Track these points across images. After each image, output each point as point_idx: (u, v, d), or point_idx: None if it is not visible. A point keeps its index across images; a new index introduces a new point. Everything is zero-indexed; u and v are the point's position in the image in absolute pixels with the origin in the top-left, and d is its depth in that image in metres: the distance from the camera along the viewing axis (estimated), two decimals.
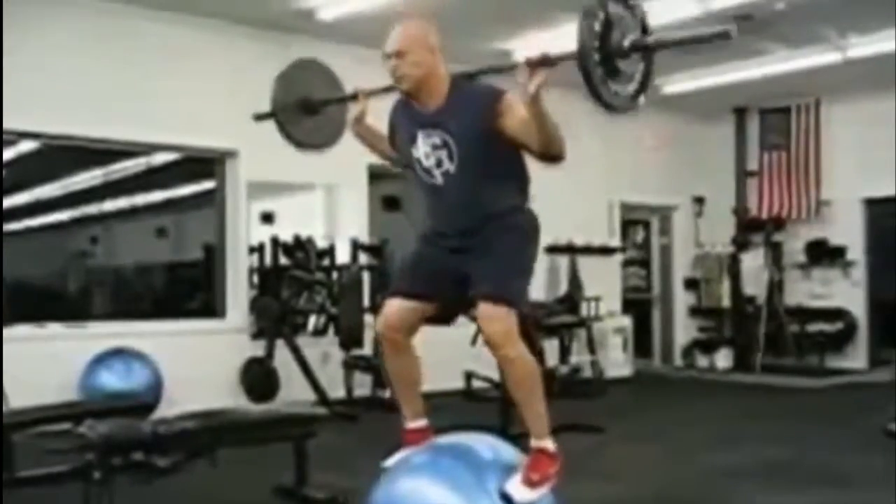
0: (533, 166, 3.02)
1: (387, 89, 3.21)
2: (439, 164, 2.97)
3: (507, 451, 2.88)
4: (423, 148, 2.99)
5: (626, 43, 2.69)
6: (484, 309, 2.84)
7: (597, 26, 2.61)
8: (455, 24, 7.60)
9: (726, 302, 10.68)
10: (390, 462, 2.99)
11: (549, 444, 2.85)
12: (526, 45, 7.72)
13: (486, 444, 2.89)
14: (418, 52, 2.92)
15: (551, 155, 2.79)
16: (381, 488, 2.80)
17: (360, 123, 3.38)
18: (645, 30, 2.80)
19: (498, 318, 2.81)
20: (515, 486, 2.69)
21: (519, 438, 3.11)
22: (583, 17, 2.61)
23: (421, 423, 3.13)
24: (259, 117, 3.74)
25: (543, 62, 2.61)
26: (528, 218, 3.06)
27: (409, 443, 3.06)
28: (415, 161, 3.04)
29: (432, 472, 2.77)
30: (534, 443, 2.84)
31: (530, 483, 2.71)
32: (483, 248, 2.92)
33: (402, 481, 2.79)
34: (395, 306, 3.05)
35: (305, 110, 3.68)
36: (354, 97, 3.43)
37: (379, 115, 3.28)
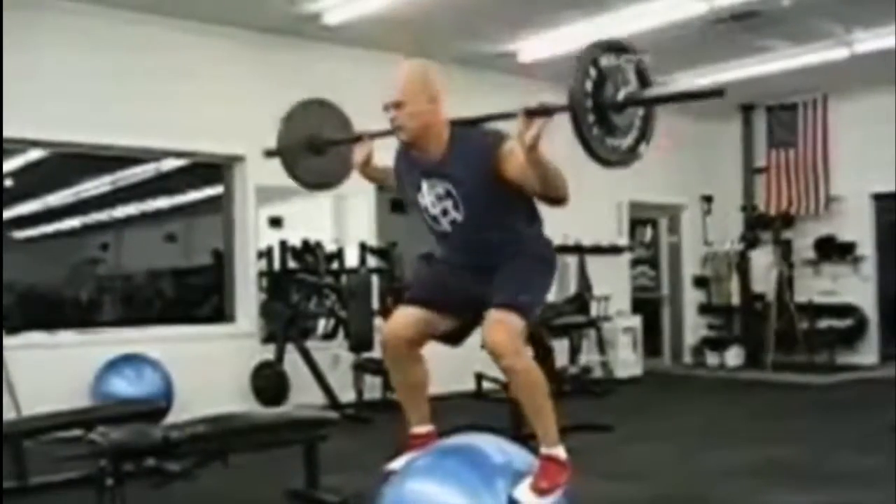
0: None
1: (392, 132, 3.12)
2: (445, 213, 2.97)
3: (517, 454, 2.85)
4: (429, 197, 2.99)
5: (621, 97, 2.63)
6: (492, 315, 2.82)
7: (588, 85, 2.55)
8: (459, 27, 7.68)
9: (736, 300, 10.68)
10: (394, 465, 2.98)
11: (559, 452, 2.83)
12: (530, 47, 7.75)
13: (496, 447, 2.87)
14: (417, 103, 2.88)
15: (552, 198, 2.79)
16: (389, 490, 2.78)
17: (367, 165, 3.34)
18: (643, 80, 2.74)
19: (503, 326, 2.79)
20: (524, 493, 2.66)
21: (529, 440, 3.09)
22: (574, 70, 2.55)
23: (426, 427, 3.13)
24: (268, 154, 3.72)
25: (540, 112, 2.58)
26: (544, 244, 3.09)
27: (413, 447, 3.06)
28: (421, 209, 3.05)
29: (440, 474, 2.75)
30: (544, 450, 2.82)
31: (539, 491, 2.67)
32: (499, 270, 2.92)
33: (409, 483, 2.78)
34: (403, 314, 3.05)
35: (312, 150, 3.62)
36: (359, 139, 3.36)
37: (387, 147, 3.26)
